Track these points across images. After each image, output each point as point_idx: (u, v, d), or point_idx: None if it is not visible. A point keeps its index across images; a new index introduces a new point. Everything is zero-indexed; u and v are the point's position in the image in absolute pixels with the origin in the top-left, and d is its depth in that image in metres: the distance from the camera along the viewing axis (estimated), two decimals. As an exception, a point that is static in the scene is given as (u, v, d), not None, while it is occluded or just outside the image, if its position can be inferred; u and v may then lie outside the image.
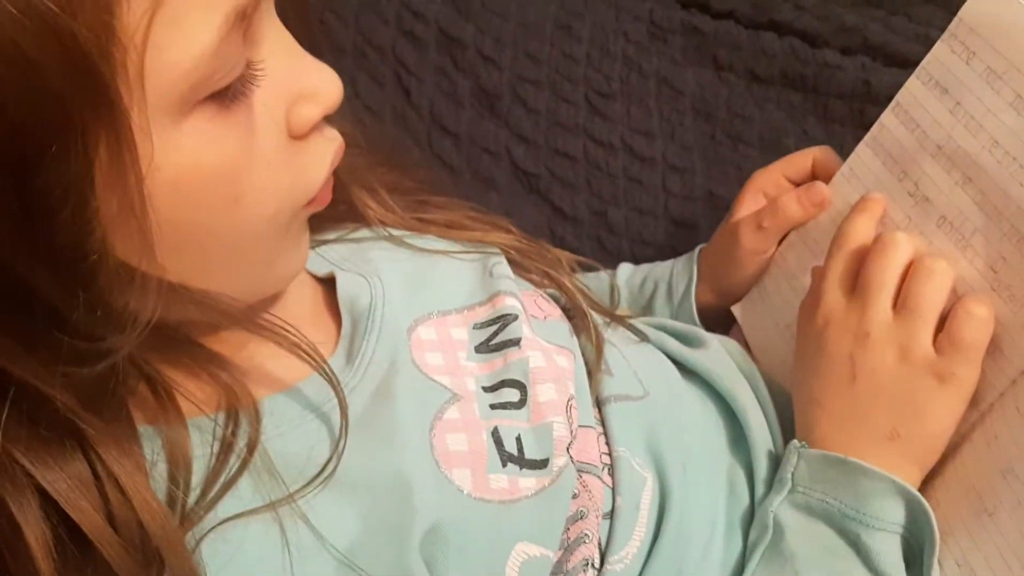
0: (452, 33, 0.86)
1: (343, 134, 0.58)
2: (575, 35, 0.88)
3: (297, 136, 0.41)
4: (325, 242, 0.57)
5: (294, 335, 0.44)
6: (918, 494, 0.48)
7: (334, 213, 0.58)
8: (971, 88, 0.52)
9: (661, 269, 0.74)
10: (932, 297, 0.50)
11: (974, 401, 0.50)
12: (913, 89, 0.56)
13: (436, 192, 0.64)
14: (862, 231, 0.55)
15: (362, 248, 0.57)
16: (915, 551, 0.49)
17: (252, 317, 0.44)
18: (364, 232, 0.59)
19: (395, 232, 0.59)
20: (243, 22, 0.36)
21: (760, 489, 0.55)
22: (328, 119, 0.44)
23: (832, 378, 0.53)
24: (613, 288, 0.73)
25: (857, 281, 0.53)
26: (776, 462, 0.55)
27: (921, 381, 0.50)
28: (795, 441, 0.53)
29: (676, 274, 0.72)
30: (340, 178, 0.56)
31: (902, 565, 0.48)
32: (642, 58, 0.88)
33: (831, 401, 0.53)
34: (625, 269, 0.77)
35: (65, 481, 0.37)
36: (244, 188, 0.39)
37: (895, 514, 0.49)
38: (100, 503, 0.38)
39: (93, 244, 0.35)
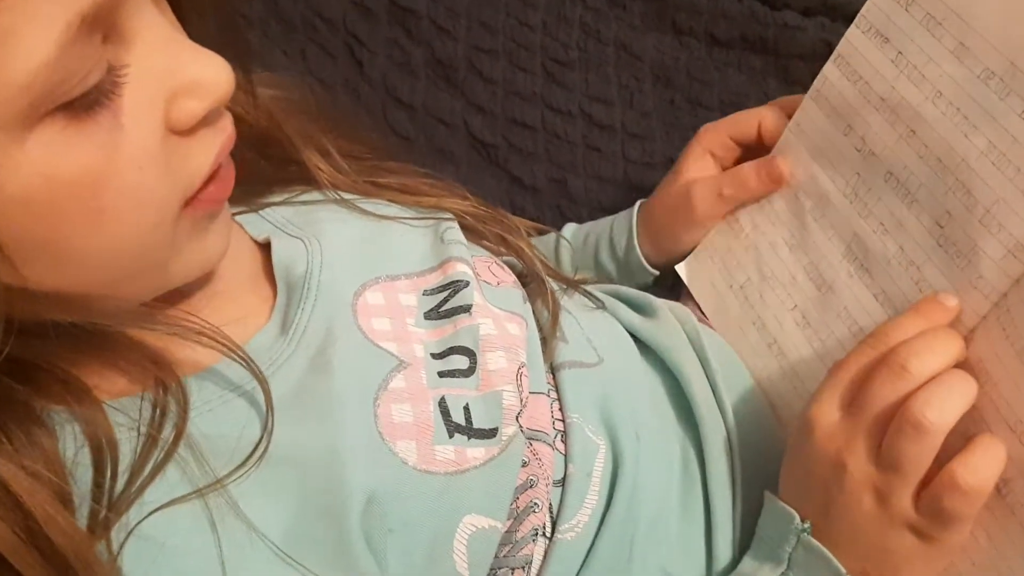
0: (404, 3, 0.85)
1: (295, 100, 0.57)
2: (531, 2, 0.87)
3: (179, 132, 0.39)
4: (270, 204, 0.55)
5: (197, 324, 0.41)
6: None
7: (284, 174, 0.57)
8: (912, 37, 0.50)
9: (602, 224, 0.73)
10: (915, 459, 0.42)
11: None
12: (853, 39, 0.54)
13: (388, 158, 0.63)
14: (902, 336, 0.45)
15: (309, 210, 0.55)
16: None
17: (148, 315, 0.42)
18: (314, 195, 0.57)
19: (346, 196, 0.57)
20: (95, 26, 0.34)
21: (712, 468, 0.53)
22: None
23: (808, 497, 0.47)
24: (558, 243, 0.72)
25: (856, 396, 0.45)
26: (725, 443, 0.54)
27: (896, 532, 0.44)
28: (799, 520, 0.47)
29: (616, 227, 0.70)
30: (291, 138, 0.55)
31: None
32: (600, 24, 0.87)
33: (806, 517, 0.47)
34: (570, 228, 0.75)
35: None
36: (107, 198, 0.36)
37: None
38: (14, 515, 0.35)
39: None
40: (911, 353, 0.44)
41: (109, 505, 0.38)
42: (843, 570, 0.45)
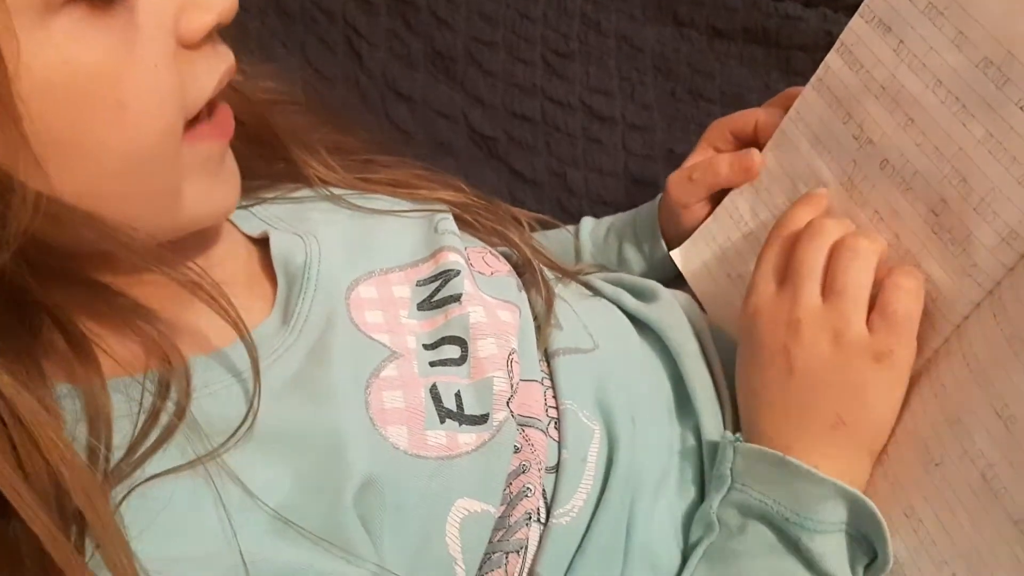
0: (403, -6, 0.84)
1: (288, 94, 0.57)
2: (531, -6, 0.86)
3: (188, 45, 0.40)
4: (262, 201, 0.56)
5: (208, 280, 0.42)
6: (862, 496, 0.47)
7: (272, 171, 0.57)
8: (914, 25, 0.50)
9: (623, 221, 0.73)
10: (857, 277, 0.49)
11: (918, 348, 0.49)
12: (857, 28, 0.54)
13: (384, 152, 0.63)
14: (799, 222, 0.53)
15: (301, 208, 0.55)
16: (860, 540, 0.48)
17: (165, 257, 0.43)
18: (304, 192, 0.57)
19: (337, 191, 0.57)
20: None
21: (709, 451, 0.53)
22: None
23: (770, 371, 0.51)
24: (578, 241, 0.72)
25: (786, 270, 0.52)
26: (721, 426, 0.54)
27: (858, 364, 0.48)
28: (728, 434, 0.51)
29: (640, 221, 0.71)
30: (278, 135, 0.55)
31: (846, 563, 0.47)
32: (601, 16, 0.86)
33: (772, 394, 0.51)
34: (588, 223, 0.75)
35: None
36: (127, 92, 0.38)
37: (836, 515, 0.47)
38: (14, 463, 0.36)
39: None
40: (823, 220, 0.51)
41: (104, 476, 0.38)
42: (780, 454, 0.48)
